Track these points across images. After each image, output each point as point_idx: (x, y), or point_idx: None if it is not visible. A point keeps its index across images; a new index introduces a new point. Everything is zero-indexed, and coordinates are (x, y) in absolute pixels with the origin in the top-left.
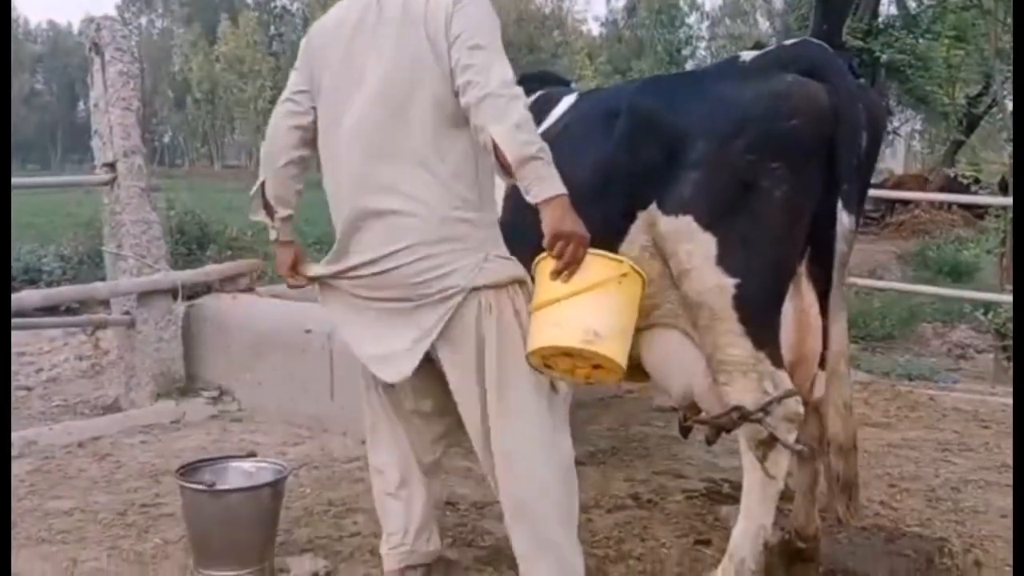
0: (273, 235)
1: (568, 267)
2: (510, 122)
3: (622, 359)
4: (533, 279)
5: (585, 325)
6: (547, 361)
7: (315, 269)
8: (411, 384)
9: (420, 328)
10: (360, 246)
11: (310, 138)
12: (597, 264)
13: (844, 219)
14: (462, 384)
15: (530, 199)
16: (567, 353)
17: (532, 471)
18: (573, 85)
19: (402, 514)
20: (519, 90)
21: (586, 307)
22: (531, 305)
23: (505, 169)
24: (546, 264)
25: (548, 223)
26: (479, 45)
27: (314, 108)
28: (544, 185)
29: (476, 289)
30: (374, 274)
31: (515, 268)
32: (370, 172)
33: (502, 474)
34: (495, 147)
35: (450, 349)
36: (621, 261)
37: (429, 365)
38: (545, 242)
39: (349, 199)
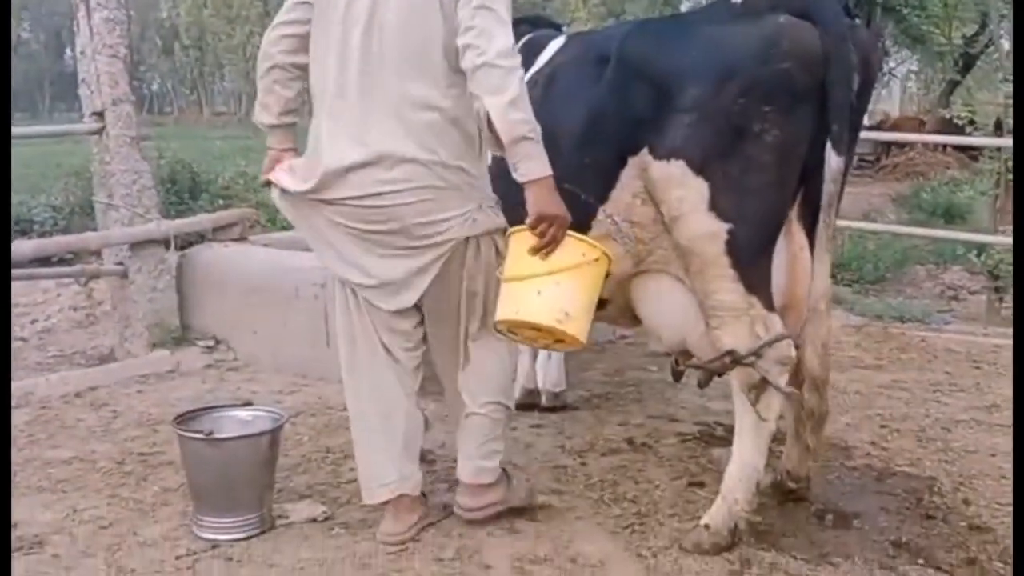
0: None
1: (548, 246)
2: (505, 98)
3: (584, 336)
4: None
5: (559, 305)
6: (512, 329)
7: (294, 184)
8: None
9: (415, 263)
10: (357, 178)
11: (304, 47)
12: (573, 246)
13: (832, 160)
14: (443, 312)
15: (517, 177)
16: (535, 327)
17: (499, 379)
18: (565, 28)
19: (389, 448)
20: (517, 60)
21: (560, 288)
22: (504, 274)
23: (496, 142)
24: (521, 237)
25: (533, 203)
26: (483, 6)
27: (310, 22)
28: (531, 164)
29: (470, 238)
30: (369, 207)
31: (500, 219)
32: (375, 110)
33: (472, 375)
34: (489, 120)
35: (437, 284)
36: (595, 246)
37: None
38: (528, 221)
39: (345, 131)
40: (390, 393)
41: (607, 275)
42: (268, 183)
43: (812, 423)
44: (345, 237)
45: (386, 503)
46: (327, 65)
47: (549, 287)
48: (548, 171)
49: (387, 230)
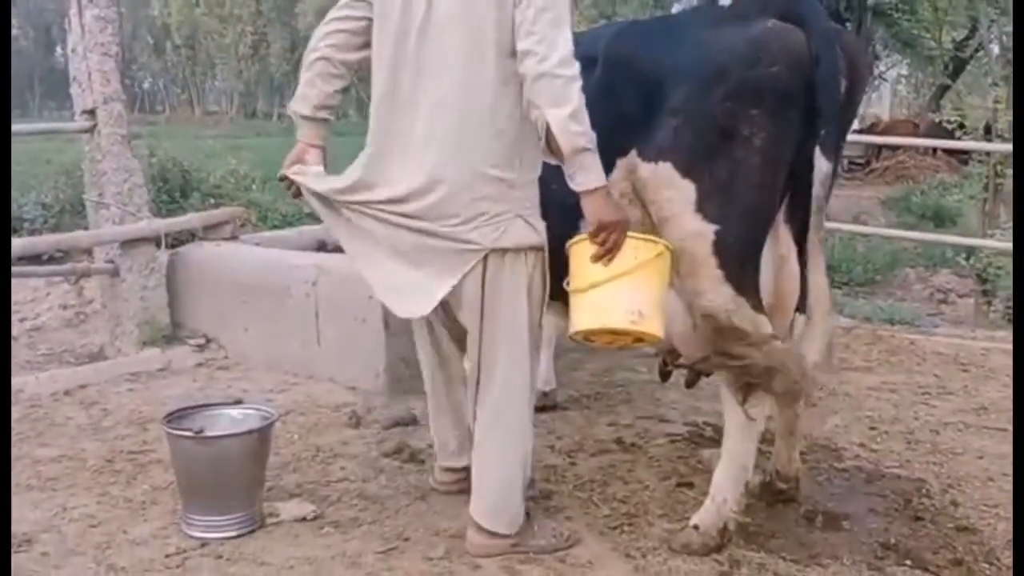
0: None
1: (610, 253)
2: (567, 111)
3: (662, 331)
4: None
5: (630, 307)
6: (588, 337)
7: (323, 185)
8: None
9: (437, 272)
10: (392, 176)
11: (354, 44)
12: (635, 247)
13: (822, 164)
14: (467, 322)
15: (574, 186)
16: (613, 331)
17: (512, 397)
18: None
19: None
20: (576, 69)
21: (630, 289)
22: (571, 286)
23: (555, 152)
24: (583, 247)
25: (592, 212)
26: (546, 9)
27: (369, 21)
28: (589, 175)
29: (497, 250)
30: (399, 213)
31: (536, 236)
32: (421, 112)
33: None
34: (548, 130)
35: (460, 295)
36: (656, 242)
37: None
38: (589, 230)
39: (395, 127)
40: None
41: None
42: (285, 179)
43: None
44: (365, 238)
45: None
46: (380, 75)
47: (618, 291)
48: (604, 180)
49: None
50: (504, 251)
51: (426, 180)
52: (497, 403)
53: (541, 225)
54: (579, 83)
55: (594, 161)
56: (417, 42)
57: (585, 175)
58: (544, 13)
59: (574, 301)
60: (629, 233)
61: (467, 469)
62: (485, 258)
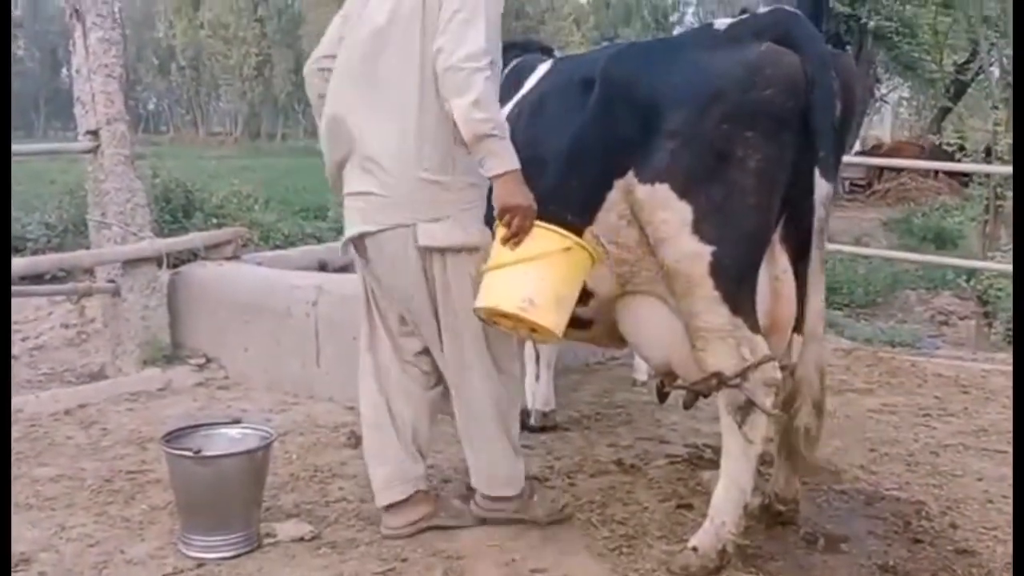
0: None
1: (515, 236)
2: (468, 98)
3: (556, 327)
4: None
5: (522, 294)
6: (492, 318)
7: None
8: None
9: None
10: (348, 177)
11: None
12: (543, 237)
13: (822, 185)
14: (420, 326)
15: (484, 172)
16: (505, 315)
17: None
18: (557, 52)
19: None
20: (483, 62)
21: (525, 276)
22: (483, 265)
23: (463, 142)
24: (498, 231)
25: (499, 196)
26: (458, 10)
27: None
28: (496, 160)
29: (434, 249)
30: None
31: (476, 236)
32: (353, 117)
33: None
34: (455, 121)
35: (404, 294)
36: (565, 236)
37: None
38: (496, 213)
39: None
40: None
41: (589, 267)
42: None
43: (806, 443)
44: None
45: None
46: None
47: (514, 275)
48: (514, 165)
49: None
50: (442, 251)
51: (367, 184)
52: (470, 406)
53: (477, 227)
54: (485, 74)
55: (502, 147)
56: (359, 56)
57: (492, 161)
58: (457, 14)
59: (482, 280)
60: (547, 226)
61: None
62: (427, 255)
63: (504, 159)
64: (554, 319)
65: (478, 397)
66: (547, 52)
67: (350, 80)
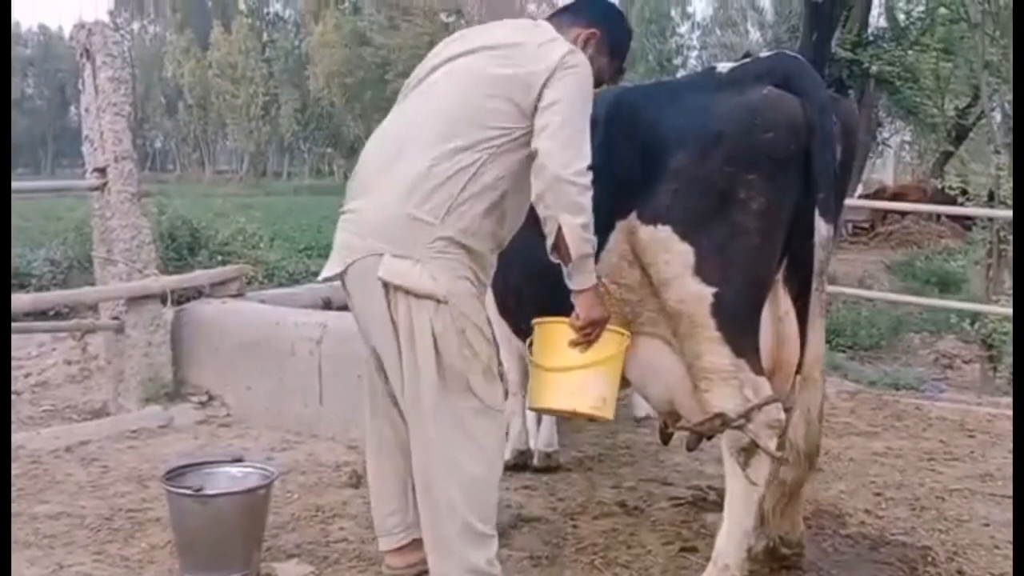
0: None
1: (589, 343)
2: (580, 220)
3: (613, 413)
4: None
5: (598, 393)
6: (550, 411)
7: None
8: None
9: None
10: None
11: None
12: (611, 340)
13: (822, 227)
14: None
15: (571, 285)
16: (575, 414)
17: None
18: None
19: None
20: (590, 177)
21: (598, 379)
22: (543, 363)
23: (560, 253)
24: (559, 329)
25: (584, 308)
26: (570, 120)
27: None
28: (585, 277)
29: (398, 287)
30: None
31: (433, 284)
32: (387, 150)
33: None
34: (559, 233)
35: (369, 333)
36: (623, 334)
37: None
38: (579, 323)
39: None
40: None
41: None
42: None
43: (781, 495)
44: None
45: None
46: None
47: (588, 378)
48: (595, 279)
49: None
50: (405, 292)
51: (360, 204)
52: (426, 478)
53: (447, 278)
54: (591, 191)
55: (592, 264)
56: (413, 94)
57: (583, 276)
58: (570, 122)
59: (543, 377)
60: (612, 328)
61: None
62: (392, 291)
63: (592, 275)
64: (614, 406)
65: (435, 470)
66: None
67: (399, 108)
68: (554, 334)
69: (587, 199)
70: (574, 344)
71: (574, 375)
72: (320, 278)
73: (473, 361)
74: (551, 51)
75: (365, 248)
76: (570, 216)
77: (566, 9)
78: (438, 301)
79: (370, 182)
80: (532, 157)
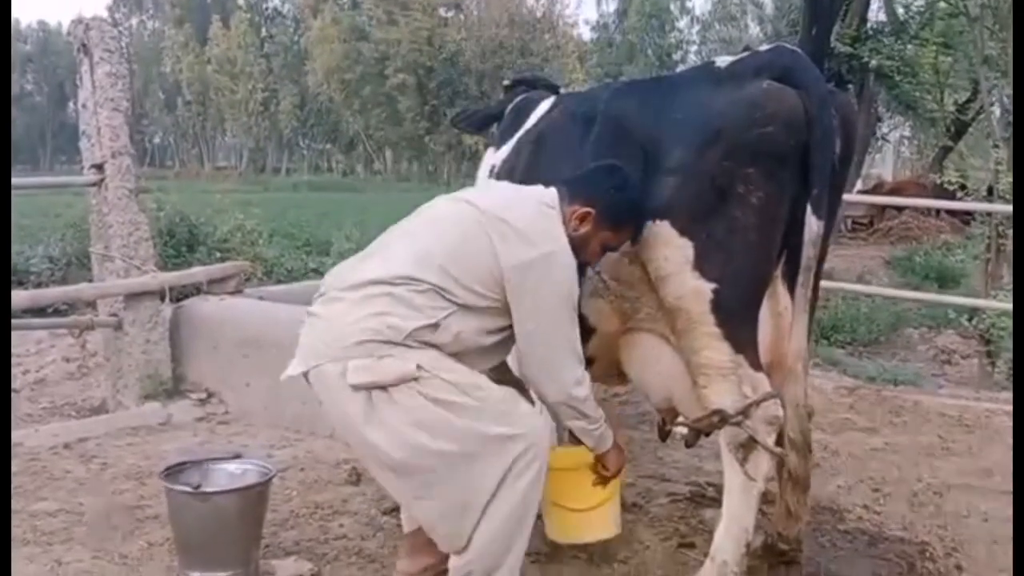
0: None
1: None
2: (587, 423)
3: None
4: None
5: (616, 520)
6: None
7: None
8: None
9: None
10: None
11: None
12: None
13: (813, 224)
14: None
15: (595, 450)
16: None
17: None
18: (562, 89)
19: None
20: (585, 384)
21: (615, 506)
22: (573, 505)
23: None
24: (582, 474)
25: (612, 463)
26: (545, 340)
27: None
28: (605, 442)
29: (367, 387)
30: None
31: (408, 367)
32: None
33: None
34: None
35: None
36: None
37: None
38: (609, 474)
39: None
40: None
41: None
42: None
43: (792, 485)
44: None
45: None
46: None
47: (611, 508)
48: (612, 438)
49: None
50: (382, 388)
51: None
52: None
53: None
54: (588, 393)
55: (607, 432)
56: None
57: (603, 443)
58: (549, 341)
59: (573, 517)
60: None
61: None
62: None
63: (609, 437)
64: None
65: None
66: (553, 89)
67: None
68: (578, 479)
69: (588, 406)
70: (596, 484)
71: (604, 509)
72: (282, 376)
73: (483, 409)
74: (532, 247)
75: (324, 355)
76: (578, 423)
77: (567, 183)
78: (415, 378)
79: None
80: (498, 332)
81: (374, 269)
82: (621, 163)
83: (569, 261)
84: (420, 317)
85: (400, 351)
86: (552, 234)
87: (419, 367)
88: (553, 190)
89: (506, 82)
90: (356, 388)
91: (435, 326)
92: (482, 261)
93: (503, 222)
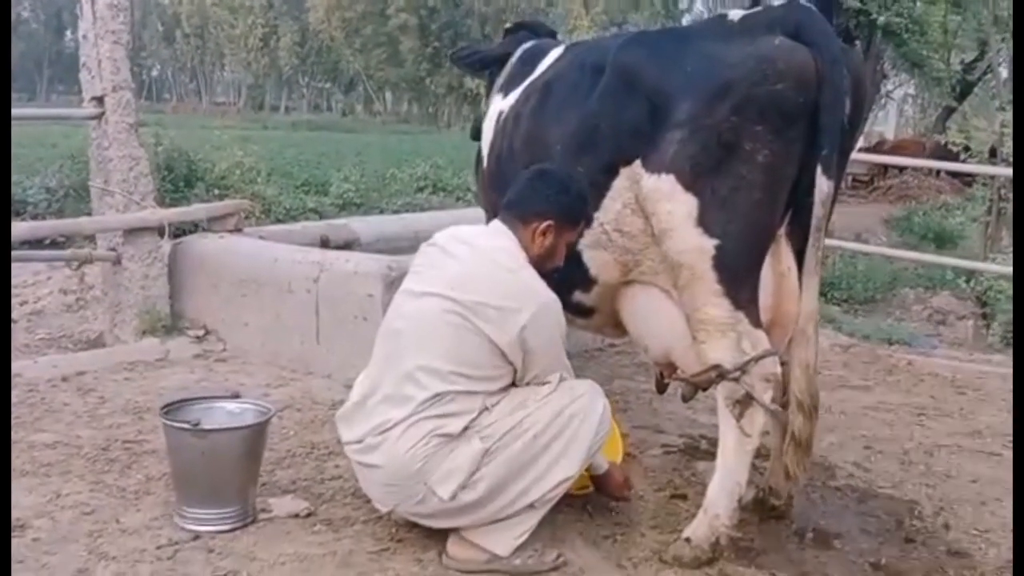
0: None
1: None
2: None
3: None
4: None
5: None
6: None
7: None
8: None
9: None
10: None
11: None
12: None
13: (823, 184)
14: None
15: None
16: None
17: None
18: (559, 36)
19: None
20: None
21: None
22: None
23: None
24: None
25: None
26: (550, 371)
27: None
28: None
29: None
30: None
31: (471, 447)
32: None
33: None
34: None
35: None
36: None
37: None
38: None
39: None
40: None
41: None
42: None
43: (795, 446)
44: None
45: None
46: None
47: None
48: (606, 464)
49: None
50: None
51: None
52: None
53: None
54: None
55: (598, 458)
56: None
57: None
58: (555, 371)
59: None
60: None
61: None
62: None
63: (604, 463)
64: None
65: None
66: (551, 35)
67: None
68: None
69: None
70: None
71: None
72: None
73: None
74: (517, 313)
75: None
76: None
77: (511, 207)
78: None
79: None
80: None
81: (394, 408)
82: (627, 116)
83: (552, 302)
84: (467, 415)
85: (462, 441)
86: (528, 288)
87: (482, 439)
88: (503, 228)
89: (507, 25)
90: (453, 496)
91: (483, 411)
92: (483, 350)
93: (480, 304)
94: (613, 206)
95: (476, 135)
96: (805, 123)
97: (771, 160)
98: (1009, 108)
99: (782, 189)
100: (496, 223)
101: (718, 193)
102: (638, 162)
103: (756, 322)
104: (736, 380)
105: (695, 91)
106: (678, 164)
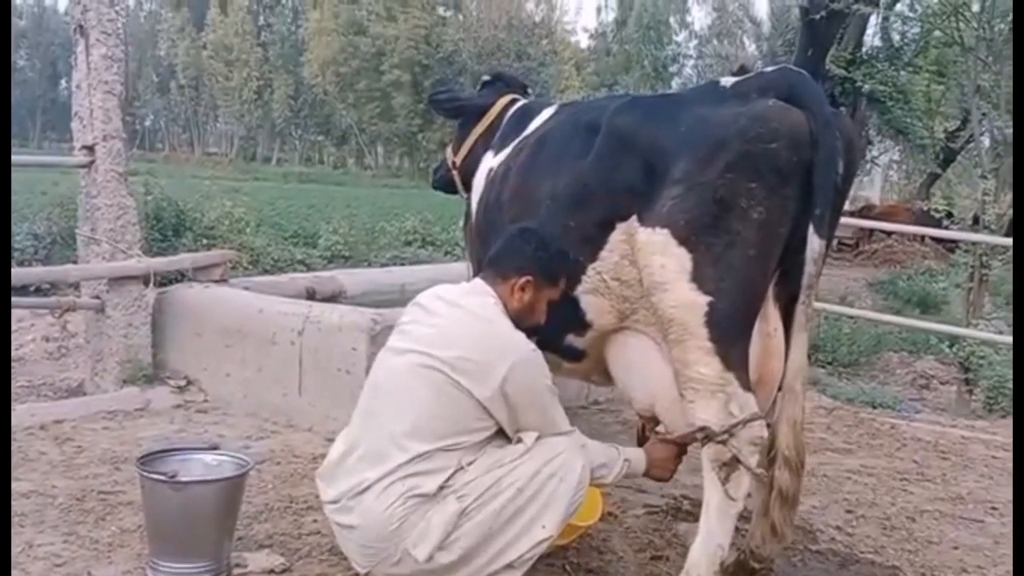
0: None
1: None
2: (606, 471)
3: None
4: None
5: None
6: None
7: None
8: None
9: None
10: None
11: None
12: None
13: (815, 242)
14: None
15: (637, 475)
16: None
17: None
18: (530, 91)
19: None
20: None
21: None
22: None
23: None
24: None
25: (662, 468)
26: (542, 427)
27: None
28: (637, 469)
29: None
30: None
31: (447, 508)
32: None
33: None
34: None
35: None
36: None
37: None
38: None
39: None
40: None
41: None
42: None
43: (781, 503)
44: None
45: None
46: None
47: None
48: (644, 463)
49: None
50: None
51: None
52: None
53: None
54: (590, 443)
55: (632, 464)
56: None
57: (634, 470)
58: (546, 427)
59: None
60: None
61: None
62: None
63: (642, 463)
64: None
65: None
66: (521, 88)
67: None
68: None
69: (591, 451)
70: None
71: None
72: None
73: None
74: (496, 367)
75: None
76: (601, 476)
77: (492, 264)
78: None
79: None
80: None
81: (371, 467)
82: (622, 176)
83: (532, 354)
84: (443, 473)
85: (438, 501)
86: (507, 341)
87: (458, 499)
88: (484, 285)
89: (485, 77)
90: (429, 558)
91: (458, 470)
92: (463, 406)
93: (459, 359)
94: (611, 257)
95: (437, 184)
96: (798, 182)
97: (766, 217)
98: (991, 176)
99: (775, 247)
100: (477, 281)
101: (712, 249)
102: (634, 218)
103: (746, 385)
104: (723, 443)
105: (691, 149)
106: (673, 218)
